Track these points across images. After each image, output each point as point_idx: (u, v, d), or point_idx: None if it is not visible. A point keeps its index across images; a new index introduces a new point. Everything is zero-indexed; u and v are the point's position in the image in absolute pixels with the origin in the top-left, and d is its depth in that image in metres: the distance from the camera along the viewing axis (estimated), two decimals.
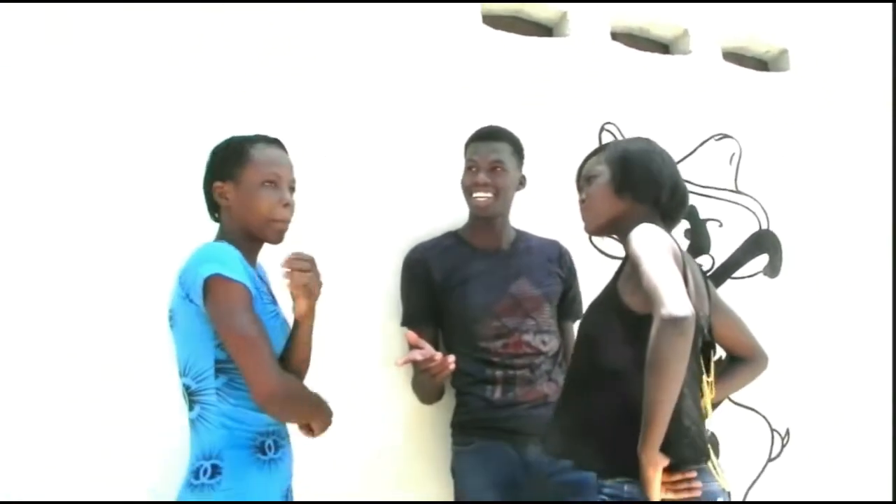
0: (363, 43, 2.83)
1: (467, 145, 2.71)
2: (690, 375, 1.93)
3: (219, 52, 2.60)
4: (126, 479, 2.27)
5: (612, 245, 3.03)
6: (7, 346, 2.24)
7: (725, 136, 3.36)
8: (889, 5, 3.69)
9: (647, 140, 2.26)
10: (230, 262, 1.85)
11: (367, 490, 2.63)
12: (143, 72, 2.49)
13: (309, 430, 2.03)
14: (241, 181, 1.96)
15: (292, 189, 2.01)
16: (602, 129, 3.13)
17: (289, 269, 1.94)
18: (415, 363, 2.29)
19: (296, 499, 2.02)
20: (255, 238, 1.98)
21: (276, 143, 2.03)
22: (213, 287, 1.82)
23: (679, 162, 3.11)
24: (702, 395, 2.04)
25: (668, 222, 2.15)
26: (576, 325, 2.68)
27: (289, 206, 1.97)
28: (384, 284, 2.73)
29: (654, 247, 1.93)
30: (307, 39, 2.75)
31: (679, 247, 2.03)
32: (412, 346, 2.30)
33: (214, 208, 2.02)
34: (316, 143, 2.69)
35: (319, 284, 1.99)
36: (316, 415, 1.99)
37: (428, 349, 2.29)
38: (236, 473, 1.84)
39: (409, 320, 2.64)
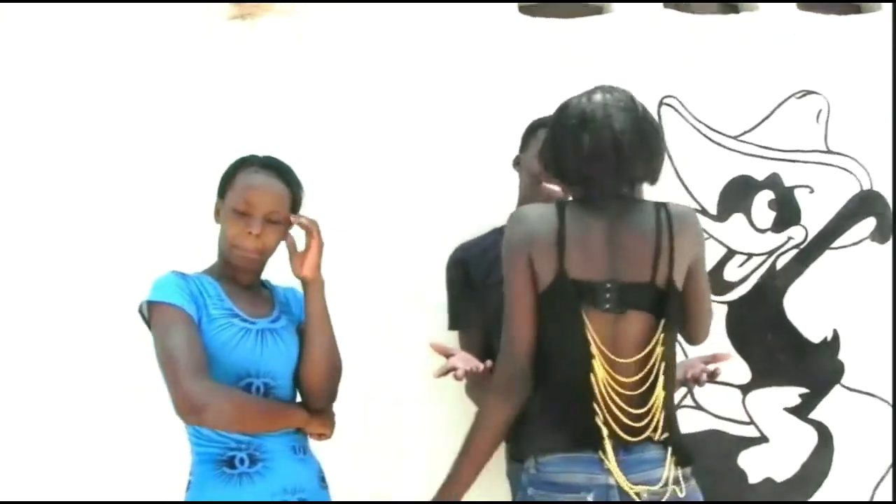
0: (410, 36, 2.78)
1: (530, 134, 2.54)
2: (568, 353, 1.82)
3: (244, 46, 2.65)
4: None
5: None
6: (12, 348, 2.31)
7: (809, 92, 3.02)
8: None
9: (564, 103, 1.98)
10: (163, 286, 1.94)
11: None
12: (163, 73, 2.60)
13: (318, 434, 2.03)
14: (224, 203, 2.02)
15: (273, 221, 1.98)
16: (661, 104, 2.89)
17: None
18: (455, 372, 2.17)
19: None
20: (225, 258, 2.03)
21: (272, 169, 2.02)
22: (150, 313, 1.94)
23: (755, 128, 2.93)
24: (591, 372, 1.81)
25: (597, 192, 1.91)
26: None
27: (255, 235, 1.95)
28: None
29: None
30: (348, 31, 2.75)
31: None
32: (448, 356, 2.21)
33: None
34: (361, 142, 2.69)
35: (320, 241, 1.99)
36: (271, 421, 1.93)
37: (461, 356, 2.20)
38: (198, 488, 1.92)
39: (453, 323, 2.55)
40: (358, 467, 2.52)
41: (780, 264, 2.84)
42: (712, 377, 2.17)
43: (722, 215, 2.84)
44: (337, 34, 2.78)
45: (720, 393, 2.72)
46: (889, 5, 3.07)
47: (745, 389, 2.76)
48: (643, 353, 1.83)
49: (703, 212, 2.83)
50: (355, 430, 2.28)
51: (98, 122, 2.73)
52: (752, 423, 2.76)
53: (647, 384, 1.82)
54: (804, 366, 2.78)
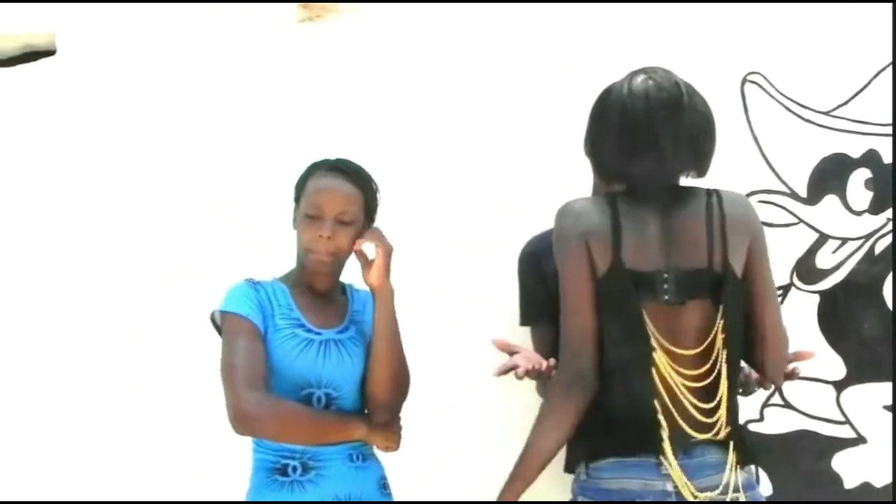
0: (479, 35, 2.75)
1: None
2: (625, 347, 1.73)
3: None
4: None
5: (766, 212, 2.62)
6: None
7: None
8: None
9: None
10: (233, 296, 2.00)
11: None
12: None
13: (383, 447, 2.04)
14: (298, 209, 2.06)
15: (344, 222, 1.99)
16: (745, 81, 2.70)
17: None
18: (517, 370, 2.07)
19: None
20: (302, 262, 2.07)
21: (340, 170, 2.04)
22: (222, 324, 2.00)
23: (849, 101, 2.71)
24: (652, 367, 1.70)
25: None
26: None
27: (327, 237, 1.97)
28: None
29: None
30: (416, 31, 2.75)
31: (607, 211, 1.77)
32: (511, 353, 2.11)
33: None
34: (433, 141, 2.70)
35: (387, 247, 1.99)
36: (326, 434, 1.96)
37: (523, 353, 2.09)
38: (252, 493, 2.00)
39: (525, 319, 2.46)
40: (423, 471, 2.47)
41: (878, 249, 2.63)
42: (790, 377, 2.01)
43: (813, 198, 2.64)
44: (404, 33, 2.78)
45: (812, 390, 2.54)
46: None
47: (839, 386, 2.57)
48: (706, 344, 1.72)
49: (793, 195, 2.64)
50: (419, 432, 2.22)
51: (170, 123, 2.83)
52: (847, 422, 2.57)
53: (713, 376, 1.72)
54: None
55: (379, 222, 2.07)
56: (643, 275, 1.73)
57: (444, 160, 2.72)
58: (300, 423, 1.93)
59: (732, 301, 1.76)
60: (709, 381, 1.71)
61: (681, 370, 1.70)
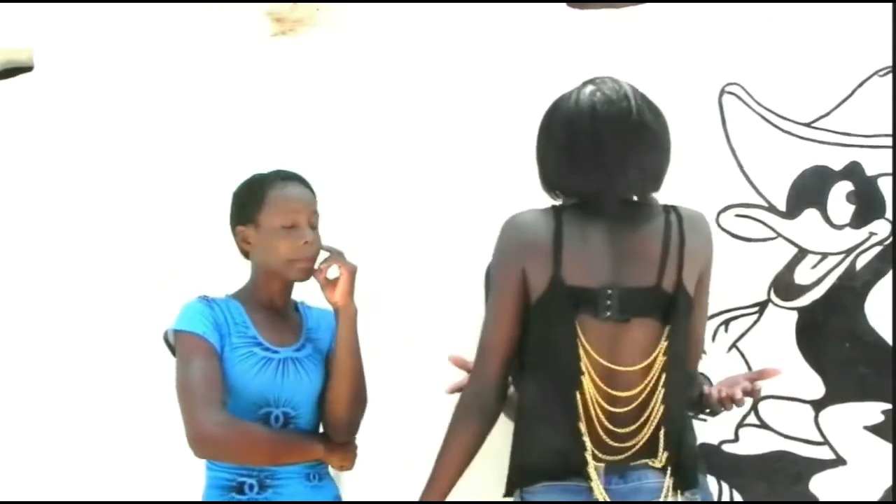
0: (461, 37, 2.72)
1: None
2: (556, 368, 1.68)
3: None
4: None
5: (743, 226, 2.56)
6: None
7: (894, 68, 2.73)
8: None
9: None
10: (188, 315, 1.97)
11: None
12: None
13: (338, 466, 2.03)
14: (261, 225, 2.00)
15: (313, 226, 2.01)
16: (723, 92, 2.64)
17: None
18: None
19: None
20: (283, 277, 2.02)
21: (294, 178, 2.05)
22: (175, 341, 1.97)
23: (831, 112, 2.64)
24: (577, 390, 1.66)
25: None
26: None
27: (309, 243, 1.98)
28: None
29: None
30: (392, 35, 2.74)
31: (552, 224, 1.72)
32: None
33: (241, 250, 2.07)
34: (408, 150, 2.69)
35: (347, 267, 1.97)
36: (285, 455, 1.94)
37: None
38: None
39: None
40: (379, 488, 2.45)
41: (860, 264, 2.55)
42: (750, 395, 1.94)
43: (793, 211, 2.57)
44: (378, 46, 2.76)
45: (789, 410, 2.47)
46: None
47: (817, 406, 2.49)
48: (645, 363, 1.67)
49: (772, 208, 2.57)
50: (376, 449, 2.19)
51: (141, 136, 2.84)
52: (826, 443, 2.48)
53: (643, 397, 1.67)
54: (887, 379, 2.49)
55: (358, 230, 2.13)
56: (584, 291, 1.68)
57: (421, 170, 2.70)
58: (260, 445, 1.91)
59: (681, 322, 1.72)
60: (640, 401, 1.67)
61: (614, 392, 1.66)
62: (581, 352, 1.65)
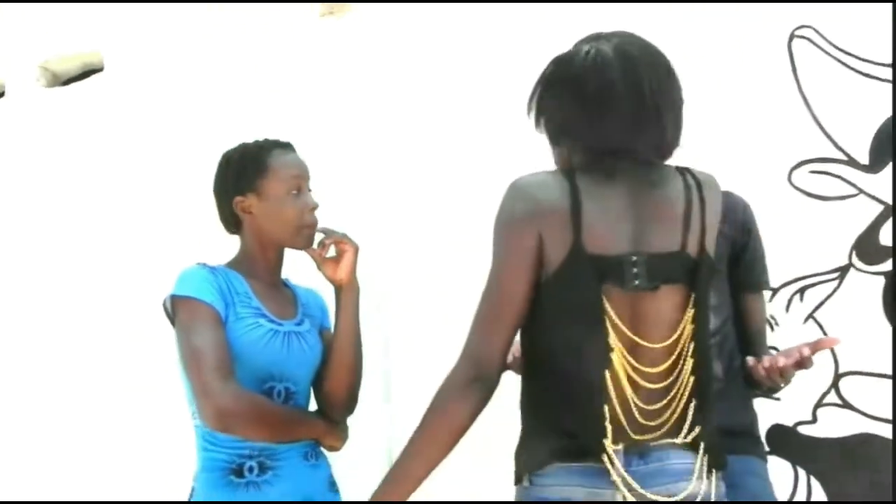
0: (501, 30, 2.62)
1: None
2: (581, 346, 1.49)
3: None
4: None
5: (820, 183, 2.29)
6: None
7: None
8: None
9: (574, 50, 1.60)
10: (191, 280, 1.85)
11: None
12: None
13: (329, 446, 1.94)
14: (265, 193, 1.90)
15: (310, 190, 1.94)
16: (792, 37, 2.38)
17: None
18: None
19: None
20: (279, 248, 1.93)
21: (289, 147, 1.97)
22: (175, 308, 1.85)
23: None
24: (607, 369, 1.46)
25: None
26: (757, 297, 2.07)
27: (315, 208, 1.91)
28: None
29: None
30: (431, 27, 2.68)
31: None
32: None
33: (232, 222, 1.95)
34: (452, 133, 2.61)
35: (352, 245, 1.90)
36: (293, 431, 1.85)
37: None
38: (204, 495, 1.84)
39: None
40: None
41: None
42: (802, 366, 1.69)
43: (876, 165, 2.28)
44: (419, 29, 2.71)
45: (875, 387, 2.18)
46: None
47: None
48: (674, 336, 1.48)
49: (852, 162, 2.29)
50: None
51: (196, 118, 2.86)
52: None
53: (675, 373, 1.48)
54: None
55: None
56: (608, 259, 1.49)
57: (461, 153, 2.61)
58: (274, 420, 1.83)
59: (705, 289, 1.53)
60: (670, 374, 1.48)
61: (641, 367, 1.48)
62: (609, 326, 1.48)
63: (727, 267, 2.10)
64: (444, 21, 2.68)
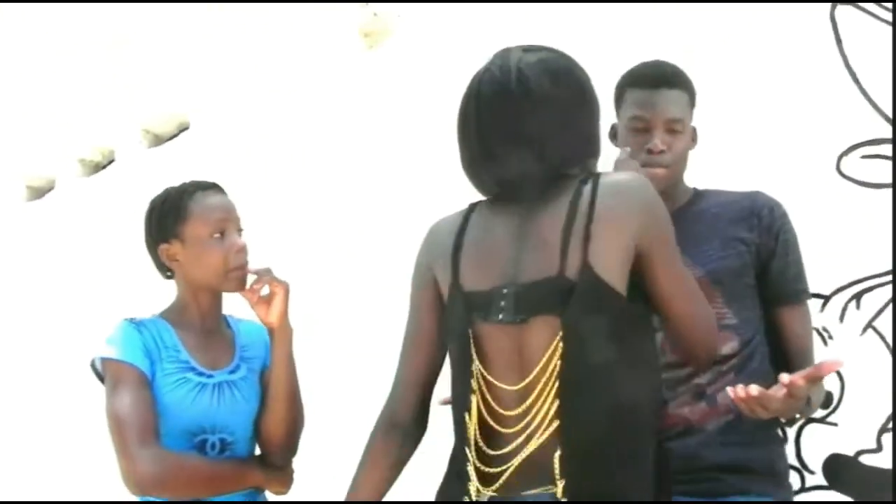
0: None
1: (624, 90, 1.93)
2: (456, 384, 1.48)
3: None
4: None
5: (873, 170, 1.97)
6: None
7: None
8: None
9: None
10: (116, 341, 1.86)
11: None
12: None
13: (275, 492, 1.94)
14: (187, 238, 1.89)
15: (240, 230, 1.91)
16: (835, 5, 2.06)
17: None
18: None
19: None
20: (212, 292, 1.92)
21: (214, 188, 1.96)
22: (103, 369, 1.87)
23: None
24: (466, 411, 1.42)
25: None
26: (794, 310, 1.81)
27: (242, 249, 1.88)
28: None
29: None
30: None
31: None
32: None
33: (165, 268, 1.95)
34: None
35: (282, 285, 1.86)
36: (226, 485, 1.84)
37: None
38: None
39: None
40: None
41: None
42: (790, 396, 1.43)
43: None
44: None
45: None
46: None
47: None
48: (532, 375, 1.36)
49: None
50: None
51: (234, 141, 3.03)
52: None
53: (529, 416, 1.37)
54: None
55: None
56: (479, 295, 1.43)
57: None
58: (200, 478, 1.82)
59: (581, 316, 1.36)
60: (523, 422, 1.37)
61: (498, 410, 1.40)
62: (473, 367, 1.42)
63: (755, 279, 1.86)
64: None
